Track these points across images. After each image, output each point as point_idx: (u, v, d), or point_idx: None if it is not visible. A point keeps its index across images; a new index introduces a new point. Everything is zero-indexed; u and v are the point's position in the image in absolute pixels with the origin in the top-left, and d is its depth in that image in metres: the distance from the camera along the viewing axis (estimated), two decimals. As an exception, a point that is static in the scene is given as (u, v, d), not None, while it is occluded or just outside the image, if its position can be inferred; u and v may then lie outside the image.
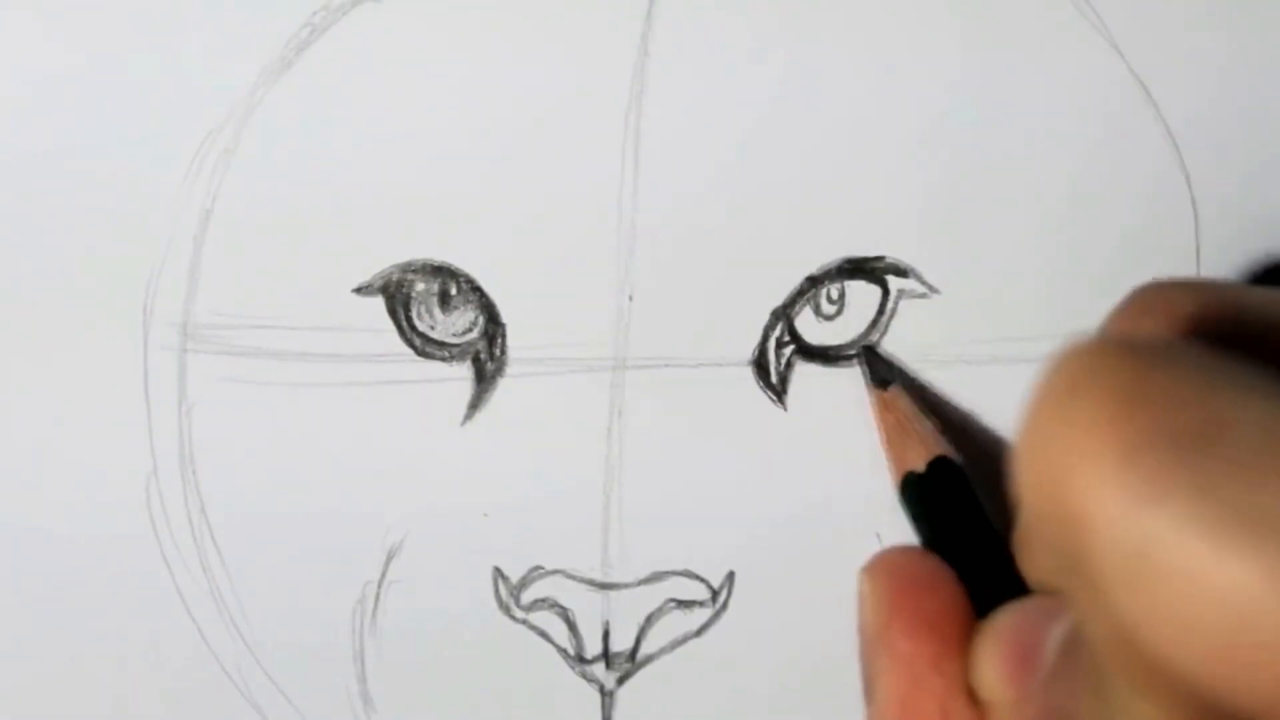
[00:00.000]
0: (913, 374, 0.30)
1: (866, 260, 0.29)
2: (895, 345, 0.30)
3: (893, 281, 0.29)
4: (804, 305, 0.29)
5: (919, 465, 0.27)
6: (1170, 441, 0.15)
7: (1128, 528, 0.15)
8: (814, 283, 0.29)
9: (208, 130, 0.28)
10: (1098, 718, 0.17)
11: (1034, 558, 0.21)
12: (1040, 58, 0.28)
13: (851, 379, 0.30)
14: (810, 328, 0.30)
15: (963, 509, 0.26)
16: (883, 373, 0.29)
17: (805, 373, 0.30)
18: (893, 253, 0.29)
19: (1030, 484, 0.16)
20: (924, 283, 0.29)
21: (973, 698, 0.21)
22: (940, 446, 0.27)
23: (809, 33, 0.28)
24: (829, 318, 0.30)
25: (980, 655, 0.21)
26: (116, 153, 0.28)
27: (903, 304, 0.29)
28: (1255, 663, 0.14)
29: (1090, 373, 0.16)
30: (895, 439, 0.28)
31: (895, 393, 0.29)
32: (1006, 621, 0.21)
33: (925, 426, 0.28)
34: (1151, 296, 0.21)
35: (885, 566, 0.22)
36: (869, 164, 0.29)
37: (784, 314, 0.29)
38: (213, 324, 0.29)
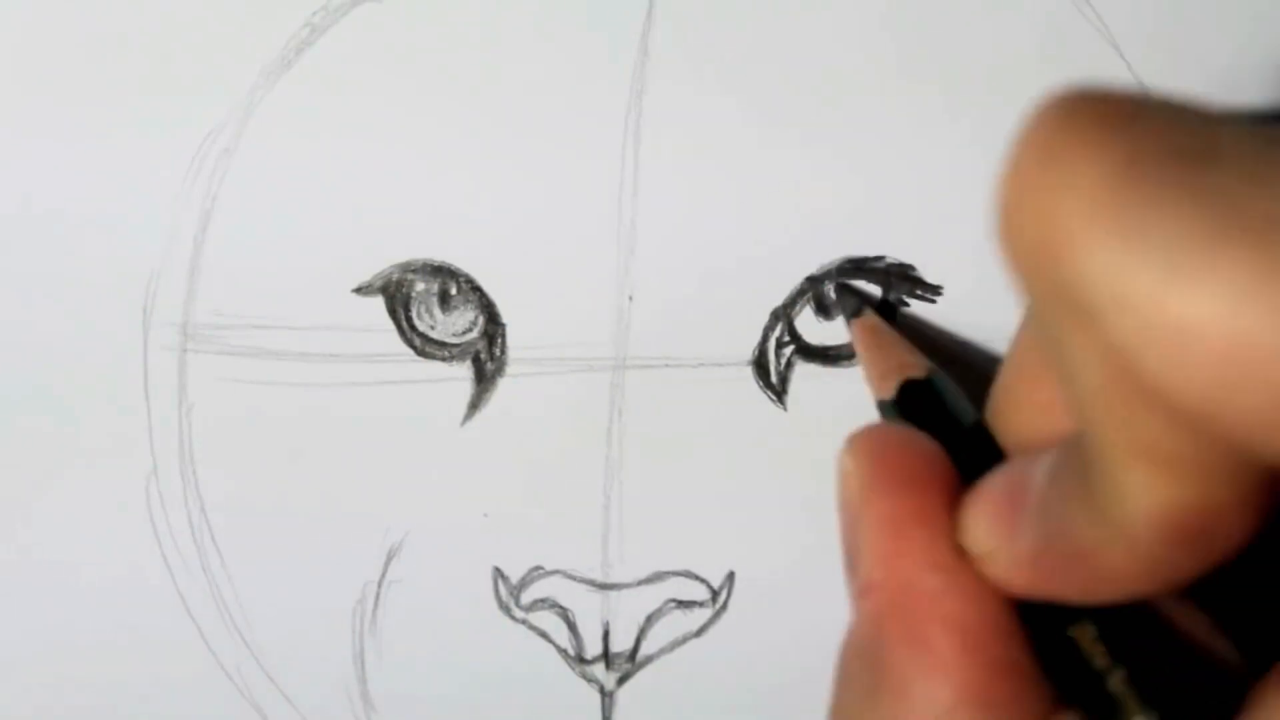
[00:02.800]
0: (889, 300, 0.29)
1: (866, 260, 0.29)
2: (895, 345, 0.30)
3: (893, 281, 0.29)
4: (804, 305, 0.29)
5: (899, 381, 0.26)
6: (1160, 158, 0.14)
7: (1120, 247, 0.14)
8: (814, 282, 0.29)
9: (208, 130, 0.28)
10: (1091, 516, 0.17)
11: (1030, 403, 0.21)
12: (1040, 58, 0.28)
13: (851, 379, 0.30)
14: (810, 328, 0.30)
15: (947, 418, 0.25)
16: (857, 303, 0.29)
17: (805, 373, 0.30)
18: (893, 253, 0.29)
19: (1015, 224, 0.16)
20: (924, 282, 0.29)
21: (961, 555, 0.20)
22: (919, 366, 0.26)
23: (809, 32, 0.28)
24: (829, 317, 0.30)
25: (968, 512, 0.20)
26: (117, 153, 0.28)
27: (903, 303, 0.29)
28: (1252, 376, 0.14)
29: (1075, 105, 0.15)
30: (874, 362, 0.27)
31: (869, 319, 0.28)
32: (991, 478, 0.20)
33: (900, 345, 0.27)
34: None
35: (867, 439, 0.22)
36: (869, 164, 0.29)
37: (784, 314, 0.29)
38: (213, 324, 0.29)
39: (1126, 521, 0.16)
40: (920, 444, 0.21)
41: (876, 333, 0.28)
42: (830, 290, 0.29)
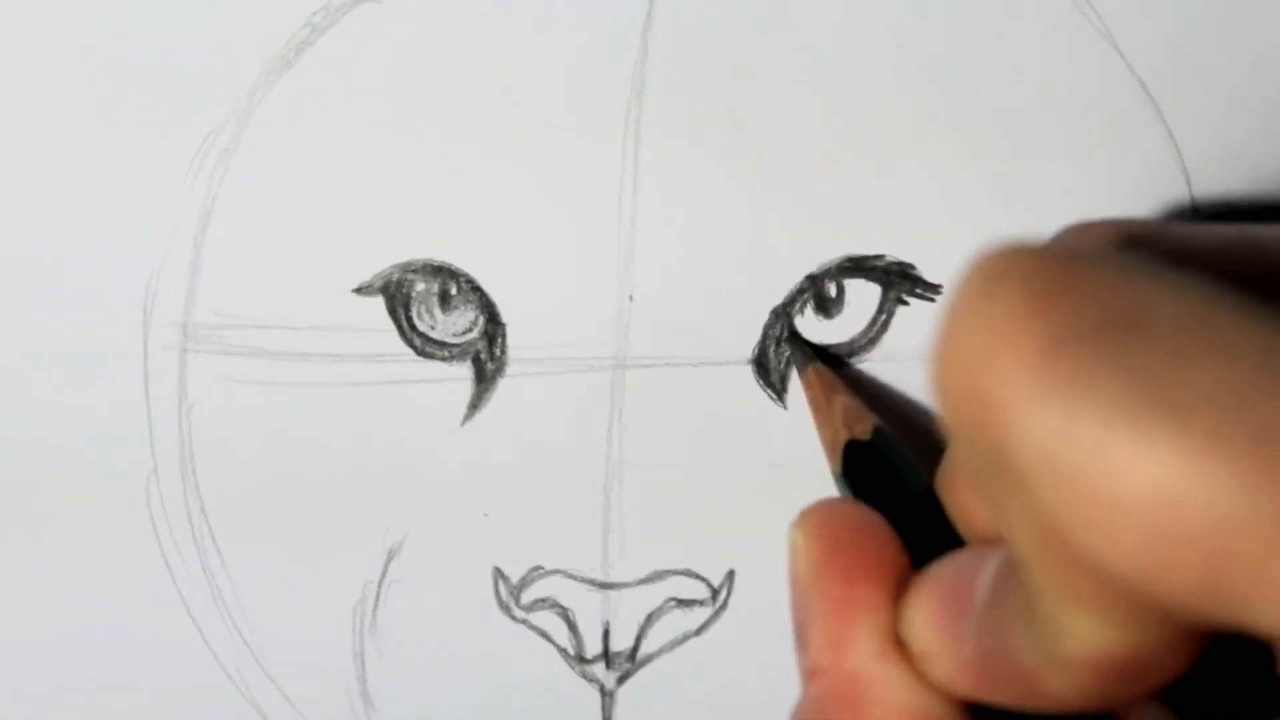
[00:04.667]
0: (865, 373, 0.30)
1: (866, 259, 0.29)
2: (895, 344, 0.30)
3: (893, 280, 0.29)
4: (804, 304, 0.29)
5: (843, 440, 0.27)
6: (1089, 331, 0.14)
7: (1049, 418, 0.14)
8: (814, 281, 0.29)
9: (208, 130, 0.28)
10: (1030, 643, 0.17)
11: (957, 482, 0.21)
12: (1040, 58, 0.28)
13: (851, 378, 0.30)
14: (810, 326, 0.30)
15: (892, 477, 0.25)
16: (805, 355, 0.29)
17: (805, 372, 0.30)
18: (893, 252, 0.29)
19: (948, 385, 0.16)
20: (924, 281, 0.29)
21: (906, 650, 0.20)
22: (861, 423, 0.27)
23: (809, 32, 0.28)
24: (829, 316, 0.30)
25: (911, 604, 0.20)
26: (117, 152, 0.28)
27: (902, 302, 0.30)
28: (1181, 550, 0.14)
29: (1007, 269, 0.15)
30: (822, 422, 0.28)
31: (817, 372, 0.28)
32: (937, 570, 0.20)
33: (848, 402, 0.27)
34: (1075, 228, 0.21)
35: (815, 518, 0.22)
36: (869, 163, 0.29)
37: (784, 313, 0.29)
38: (213, 324, 0.29)
39: (1062, 656, 0.16)
40: (870, 525, 0.22)
41: (825, 386, 0.28)
42: (830, 288, 0.29)
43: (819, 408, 0.28)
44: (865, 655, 0.20)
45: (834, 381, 0.28)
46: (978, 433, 0.15)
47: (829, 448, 0.27)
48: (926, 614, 0.20)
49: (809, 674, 0.21)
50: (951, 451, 0.22)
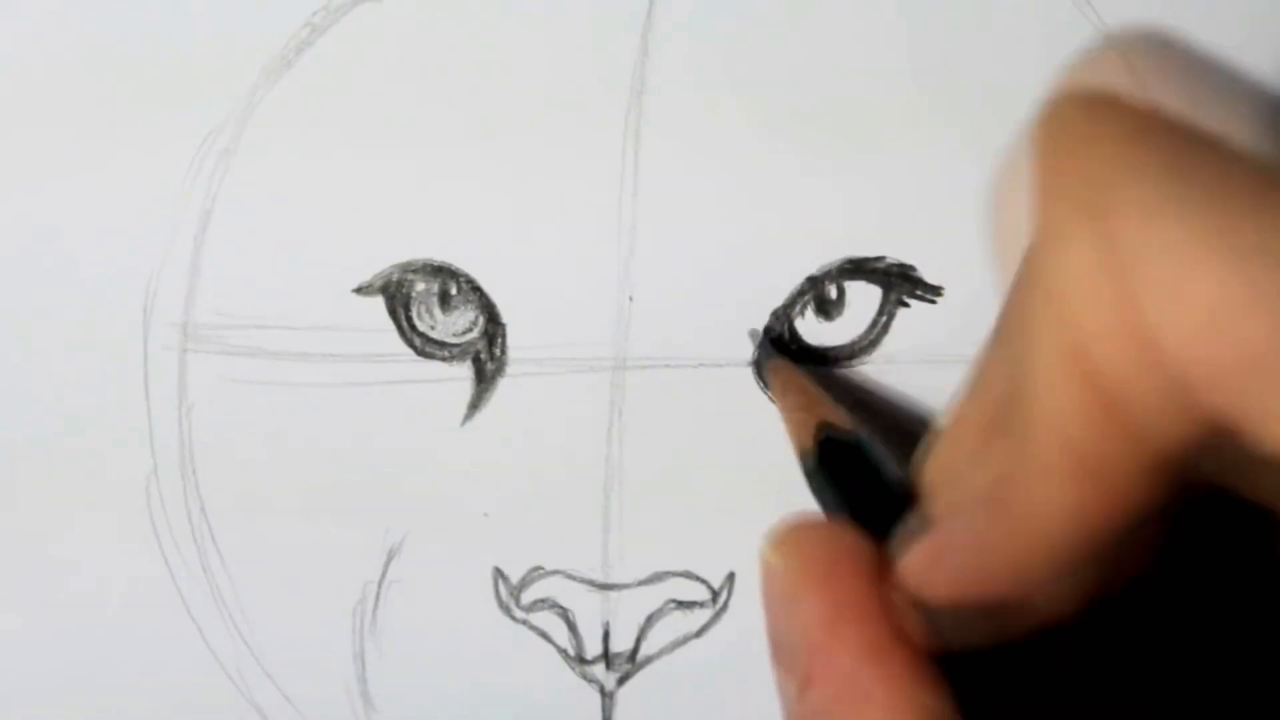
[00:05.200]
0: (861, 375, 0.30)
1: (867, 260, 0.29)
2: (895, 345, 0.30)
3: (893, 282, 0.29)
4: (804, 305, 0.29)
5: (813, 437, 0.27)
6: (1163, 153, 0.15)
7: (1093, 247, 0.15)
8: (814, 283, 0.29)
9: (208, 130, 0.28)
10: (1012, 457, 0.17)
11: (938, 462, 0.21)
12: (1040, 58, 0.28)
13: (852, 379, 0.30)
14: (810, 328, 0.30)
15: (865, 477, 0.26)
16: (767, 351, 0.29)
17: (805, 373, 0.30)
18: (893, 253, 0.29)
19: (1057, 140, 0.17)
20: (925, 283, 0.29)
21: (896, 639, 0.20)
22: (834, 417, 0.27)
23: (809, 32, 0.28)
24: (829, 318, 0.30)
25: (897, 552, 0.21)
26: (117, 153, 0.28)
27: (903, 304, 0.29)
28: (1232, 347, 0.14)
29: (1102, 100, 0.17)
30: (791, 413, 0.28)
31: (782, 366, 0.29)
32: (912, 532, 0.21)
33: (816, 397, 0.27)
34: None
35: (789, 537, 0.22)
36: (869, 163, 0.29)
37: (784, 314, 0.29)
38: (213, 324, 0.29)
39: (1047, 458, 0.17)
40: (841, 533, 0.22)
41: (791, 379, 0.28)
42: (831, 290, 0.29)
43: (786, 404, 0.28)
44: (860, 656, 0.20)
45: (800, 376, 0.28)
46: (1029, 265, 0.16)
47: (797, 430, 0.27)
48: (913, 543, 0.20)
49: (802, 685, 0.21)
50: (933, 436, 0.22)
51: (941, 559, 0.20)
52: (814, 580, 0.21)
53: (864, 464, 0.25)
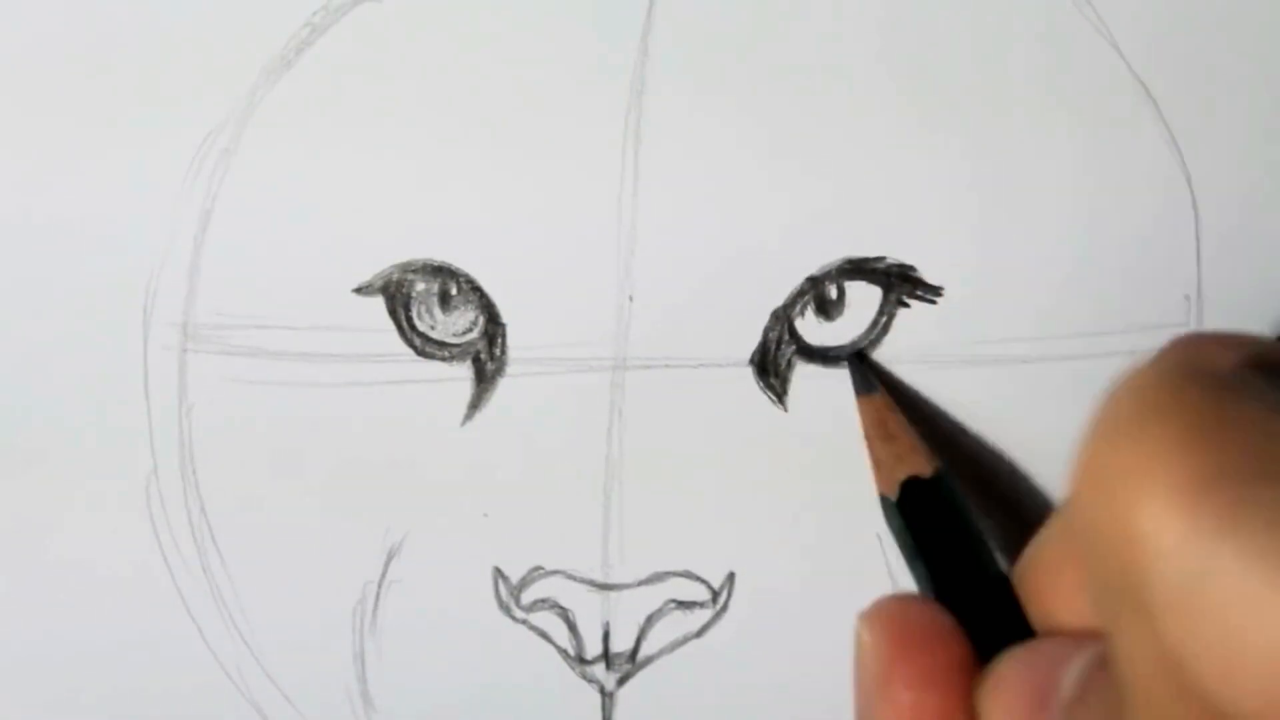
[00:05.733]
0: (902, 380, 0.30)
1: (867, 260, 0.29)
2: (896, 346, 0.30)
3: (893, 282, 0.29)
4: (804, 305, 0.29)
5: (903, 477, 0.27)
6: (1241, 471, 0.15)
7: (1192, 556, 0.15)
8: (814, 283, 0.29)
9: (208, 130, 0.28)
10: None
11: (1060, 584, 0.21)
12: (1040, 58, 0.28)
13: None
14: (810, 328, 0.30)
15: (951, 528, 0.26)
16: (869, 380, 0.29)
17: (805, 373, 0.30)
18: (893, 253, 0.29)
19: (1090, 503, 0.16)
20: (925, 283, 0.29)
21: None
22: (927, 461, 0.27)
23: (808, 32, 0.28)
24: (829, 318, 0.30)
25: (989, 698, 0.20)
26: (117, 153, 0.28)
27: (903, 304, 0.29)
28: None
29: (1163, 399, 0.16)
30: (881, 450, 0.28)
31: (881, 400, 0.29)
32: (1014, 667, 0.20)
33: (912, 438, 0.28)
34: (1193, 341, 0.21)
35: (886, 614, 0.22)
36: (870, 164, 0.29)
37: (784, 314, 0.29)
38: (213, 324, 0.29)
39: None
40: (938, 625, 0.22)
41: (885, 417, 0.28)
42: (831, 290, 0.29)
43: (877, 439, 0.28)
44: None
45: (896, 415, 0.28)
46: (1114, 556, 0.16)
47: (882, 481, 0.27)
48: (1006, 707, 0.20)
49: None
50: (1037, 542, 0.22)
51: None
52: (906, 672, 0.21)
53: (943, 508, 0.26)
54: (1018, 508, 0.30)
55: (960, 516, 0.26)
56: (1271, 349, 0.19)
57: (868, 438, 0.28)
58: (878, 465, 0.28)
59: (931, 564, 0.26)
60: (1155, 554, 0.15)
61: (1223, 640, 0.14)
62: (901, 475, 0.27)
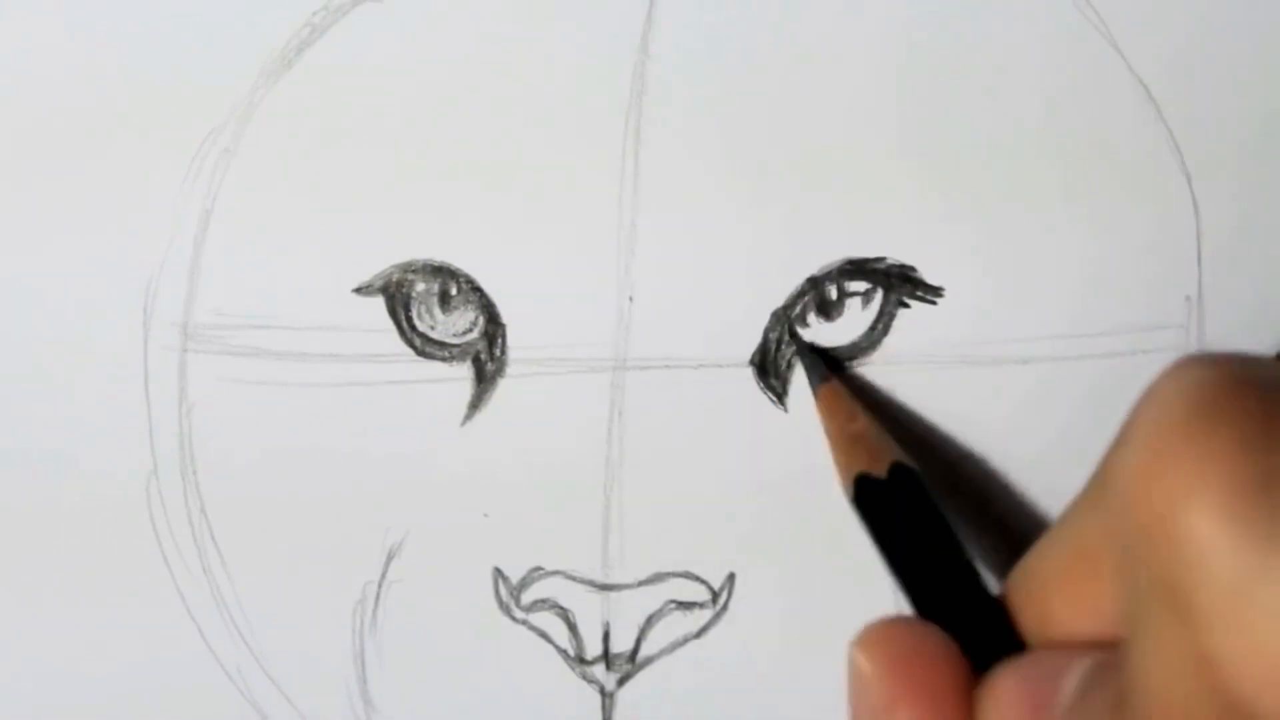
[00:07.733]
0: (874, 383, 0.30)
1: (867, 261, 0.29)
2: (896, 346, 0.30)
3: (893, 282, 0.29)
4: (805, 305, 0.29)
5: (871, 469, 0.27)
6: None
7: (1243, 559, 0.15)
8: (815, 283, 0.29)
9: (208, 130, 0.28)
10: None
11: (1058, 597, 0.21)
12: (1040, 58, 0.28)
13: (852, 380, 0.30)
14: (811, 329, 0.30)
15: (921, 520, 0.26)
16: (821, 370, 0.29)
17: (806, 373, 0.30)
18: (893, 253, 0.29)
19: (1135, 501, 0.16)
20: (925, 283, 0.29)
21: None
22: (894, 451, 0.27)
23: (810, 33, 0.28)
24: (830, 318, 0.30)
25: (989, 711, 0.20)
26: (117, 152, 0.28)
27: (903, 304, 0.29)
28: None
29: (1220, 402, 0.16)
30: (841, 440, 0.28)
31: (836, 389, 0.28)
32: (1011, 679, 0.20)
33: (872, 428, 0.28)
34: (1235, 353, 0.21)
35: (883, 640, 0.22)
36: (870, 164, 0.29)
37: (785, 315, 0.29)
38: (213, 324, 0.29)
39: None
40: (934, 646, 0.22)
41: (840, 408, 0.28)
42: (831, 290, 0.29)
43: (833, 433, 0.28)
44: None
45: (851, 402, 0.28)
46: (1157, 556, 0.16)
47: (842, 474, 0.27)
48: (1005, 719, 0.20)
49: None
50: (1034, 554, 0.22)
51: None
52: (909, 701, 0.21)
53: (910, 500, 0.25)
54: (996, 511, 0.30)
55: (928, 515, 0.26)
56: None
57: (825, 431, 0.28)
58: (836, 461, 0.28)
59: (901, 565, 0.26)
60: (1204, 555, 0.15)
61: (1267, 645, 0.14)
62: (868, 464, 0.27)
